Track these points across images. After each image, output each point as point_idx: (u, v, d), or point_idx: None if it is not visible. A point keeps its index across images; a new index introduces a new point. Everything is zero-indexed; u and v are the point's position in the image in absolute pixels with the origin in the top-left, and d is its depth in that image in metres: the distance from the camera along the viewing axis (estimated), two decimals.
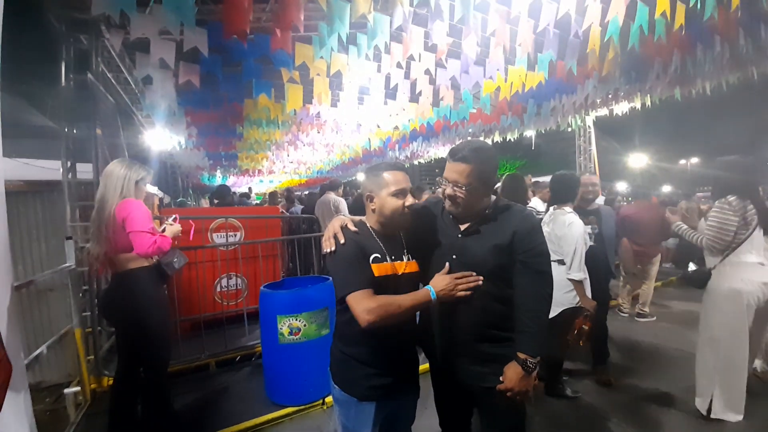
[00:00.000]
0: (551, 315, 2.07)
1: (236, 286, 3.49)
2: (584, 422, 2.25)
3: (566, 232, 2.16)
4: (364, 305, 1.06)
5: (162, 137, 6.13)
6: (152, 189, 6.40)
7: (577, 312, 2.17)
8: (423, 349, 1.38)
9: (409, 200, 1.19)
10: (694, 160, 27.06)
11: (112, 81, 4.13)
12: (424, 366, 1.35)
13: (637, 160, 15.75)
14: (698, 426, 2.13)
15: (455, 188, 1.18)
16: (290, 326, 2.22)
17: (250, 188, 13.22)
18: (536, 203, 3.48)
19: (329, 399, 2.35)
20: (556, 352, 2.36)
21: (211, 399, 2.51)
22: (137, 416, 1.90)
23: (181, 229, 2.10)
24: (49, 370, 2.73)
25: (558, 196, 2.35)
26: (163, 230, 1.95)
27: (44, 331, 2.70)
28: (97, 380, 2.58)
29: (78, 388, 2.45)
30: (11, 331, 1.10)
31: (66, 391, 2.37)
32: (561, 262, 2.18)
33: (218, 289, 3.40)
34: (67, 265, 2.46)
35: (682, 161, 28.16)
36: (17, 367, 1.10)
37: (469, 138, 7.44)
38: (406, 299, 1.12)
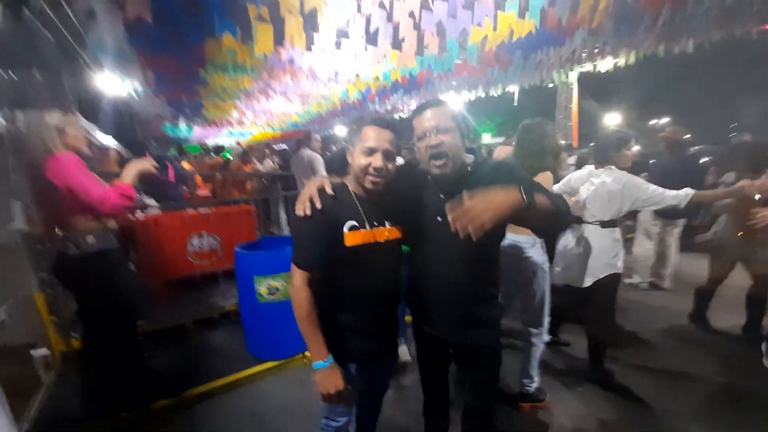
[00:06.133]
0: (590, 282, 2.07)
1: (210, 246, 3.37)
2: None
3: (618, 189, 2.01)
4: (295, 282, 1.11)
5: (113, 82, 5.46)
6: (109, 141, 5.85)
7: (617, 279, 2.10)
8: (408, 307, 1.39)
9: (377, 162, 1.08)
10: (665, 119, 27.79)
11: (51, 15, 3.50)
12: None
13: (614, 119, 15.98)
14: None
15: (440, 135, 1.11)
16: (269, 286, 2.19)
17: (239, 143, 11.79)
18: None
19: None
20: (602, 328, 2.19)
21: (191, 356, 2.52)
22: (112, 377, 1.87)
23: (148, 165, 1.77)
24: (15, 331, 2.60)
25: (607, 155, 2.11)
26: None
27: (2, 293, 2.54)
28: (66, 342, 2.50)
29: (46, 351, 2.37)
30: None
31: (33, 353, 2.29)
32: (607, 223, 2.08)
33: (190, 248, 3.27)
34: (15, 225, 2.24)
35: (653, 121, 28.87)
36: None
37: (452, 92, 7.18)
38: (304, 325, 1.10)
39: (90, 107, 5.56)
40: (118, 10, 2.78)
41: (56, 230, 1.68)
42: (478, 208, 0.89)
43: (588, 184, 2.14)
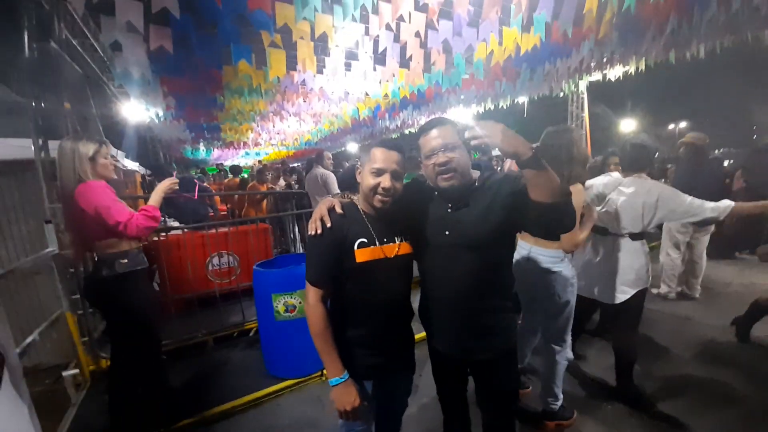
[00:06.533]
0: (622, 299, 1.99)
1: (228, 264, 3.46)
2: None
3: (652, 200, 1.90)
4: (309, 299, 1.15)
5: (138, 109, 5.78)
6: (132, 165, 6.14)
7: (645, 293, 2.02)
8: (422, 323, 1.40)
9: (386, 182, 1.12)
10: (683, 124, 27.15)
11: (78, 48, 3.78)
12: (421, 335, 1.37)
13: (628, 126, 15.71)
14: None
15: (447, 153, 1.14)
16: (285, 304, 2.22)
17: (259, 161, 12.07)
18: None
19: None
20: (630, 343, 2.11)
21: (211, 375, 2.55)
22: (138, 396, 1.92)
23: (170, 184, 1.88)
24: (46, 352, 2.72)
25: (636, 163, 2.03)
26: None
27: (36, 314, 2.66)
28: (95, 362, 2.58)
29: (77, 371, 2.45)
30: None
31: (64, 373, 2.38)
32: (636, 236, 1.98)
33: (210, 267, 3.37)
34: (49, 249, 2.37)
35: (671, 126, 28.23)
36: (9, 356, 1.08)
37: (460, 106, 7.25)
38: (319, 341, 1.13)
39: (115, 133, 5.87)
40: (142, 41, 2.97)
41: (88, 253, 1.78)
42: (496, 127, 0.98)
43: (616, 193, 1.99)
